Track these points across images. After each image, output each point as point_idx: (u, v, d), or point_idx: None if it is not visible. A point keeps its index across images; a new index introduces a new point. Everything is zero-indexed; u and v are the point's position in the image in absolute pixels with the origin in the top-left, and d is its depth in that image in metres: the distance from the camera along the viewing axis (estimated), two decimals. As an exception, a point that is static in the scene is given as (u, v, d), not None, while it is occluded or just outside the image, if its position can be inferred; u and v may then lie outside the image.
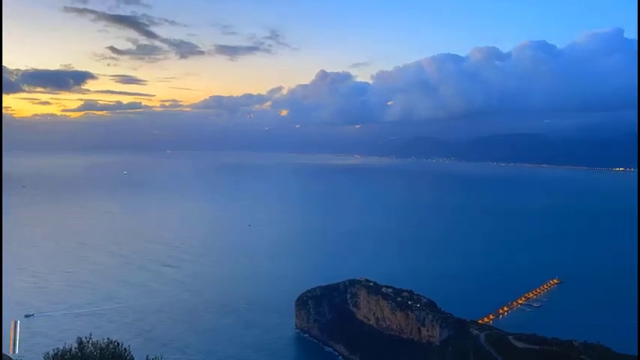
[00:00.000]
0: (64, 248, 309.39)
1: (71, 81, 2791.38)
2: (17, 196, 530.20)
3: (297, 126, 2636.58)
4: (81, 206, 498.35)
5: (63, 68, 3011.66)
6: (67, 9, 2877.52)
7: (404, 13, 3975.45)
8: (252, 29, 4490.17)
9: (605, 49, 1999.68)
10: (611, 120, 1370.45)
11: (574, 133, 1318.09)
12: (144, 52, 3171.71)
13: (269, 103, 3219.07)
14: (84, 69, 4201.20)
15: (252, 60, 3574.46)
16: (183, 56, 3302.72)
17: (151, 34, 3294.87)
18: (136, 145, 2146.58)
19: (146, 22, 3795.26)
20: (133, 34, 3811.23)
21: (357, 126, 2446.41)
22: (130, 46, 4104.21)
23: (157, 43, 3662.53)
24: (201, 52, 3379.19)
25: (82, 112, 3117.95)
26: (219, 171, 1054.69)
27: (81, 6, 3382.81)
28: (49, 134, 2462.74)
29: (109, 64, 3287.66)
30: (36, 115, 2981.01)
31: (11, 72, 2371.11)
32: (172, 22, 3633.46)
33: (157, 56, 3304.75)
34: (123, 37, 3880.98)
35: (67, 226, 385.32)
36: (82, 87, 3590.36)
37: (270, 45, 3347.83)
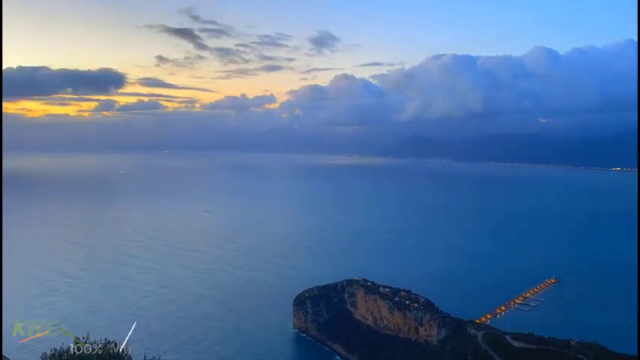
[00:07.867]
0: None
1: (103, 84, 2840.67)
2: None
3: (295, 126, 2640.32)
4: (53, 207, 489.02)
5: (99, 71, 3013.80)
6: (138, 27, 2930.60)
7: (405, 15, 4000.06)
8: (298, 42, 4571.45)
9: (604, 53, 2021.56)
10: (609, 120, 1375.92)
11: (571, 133, 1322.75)
12: (187, 62, 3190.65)
13: (277, 104, 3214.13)
14: (123, 73, 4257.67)
15: (286, 64, 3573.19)
16: (224, 64, 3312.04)
17: (203, 47, 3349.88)
18: (137, 146, 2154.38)
19: (202, 36, 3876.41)
20: (187, 46, 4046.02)
21: (356, 126, 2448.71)
22: (177, 55, 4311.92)
23: (205, 53, 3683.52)
24: (245, 61, 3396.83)
25: (90, 113, 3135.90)
26: (207, 171, 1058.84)
27: (153, 22, 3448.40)
28: (57, 134, 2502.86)
29: (147, 72, 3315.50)
30: (49, 114, 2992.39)
31: (52, 75, 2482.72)
32: (229, 35, 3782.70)
33: (199, 63, 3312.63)
34: (175, 48, 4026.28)
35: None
36: (111, 90, 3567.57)
37: (311, 55, 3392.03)
